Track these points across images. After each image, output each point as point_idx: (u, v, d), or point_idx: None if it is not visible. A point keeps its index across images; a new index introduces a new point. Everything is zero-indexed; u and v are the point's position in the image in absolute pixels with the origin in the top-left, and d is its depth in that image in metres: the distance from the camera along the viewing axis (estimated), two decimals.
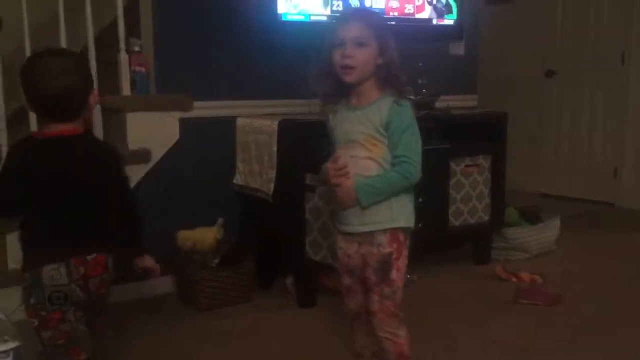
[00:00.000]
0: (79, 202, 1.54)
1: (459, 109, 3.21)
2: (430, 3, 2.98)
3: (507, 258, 3.12)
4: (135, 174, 2.61)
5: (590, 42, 4.44)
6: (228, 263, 2.54)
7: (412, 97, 1.71)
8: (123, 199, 1.67)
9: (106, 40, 2.74)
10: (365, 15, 1.77)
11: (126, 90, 2.63)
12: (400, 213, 1.61)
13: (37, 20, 2.53)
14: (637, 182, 4.27)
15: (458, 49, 3.43)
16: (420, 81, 2.88)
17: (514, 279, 2.81)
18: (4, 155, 2.00)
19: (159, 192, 2.67)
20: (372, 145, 1.58)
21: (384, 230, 1.60)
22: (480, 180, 2.94)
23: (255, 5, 2.68)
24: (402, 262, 1.63)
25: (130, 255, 1.69)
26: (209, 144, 2.77)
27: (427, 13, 2.99)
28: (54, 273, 1.50)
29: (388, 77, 1.59)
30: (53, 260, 1.50)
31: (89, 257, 1.54)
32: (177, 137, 2.72)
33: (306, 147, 2.49)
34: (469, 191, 2.91)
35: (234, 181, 2.78)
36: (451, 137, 2.86)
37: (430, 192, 2.53)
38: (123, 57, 2.61)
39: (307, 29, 2.67)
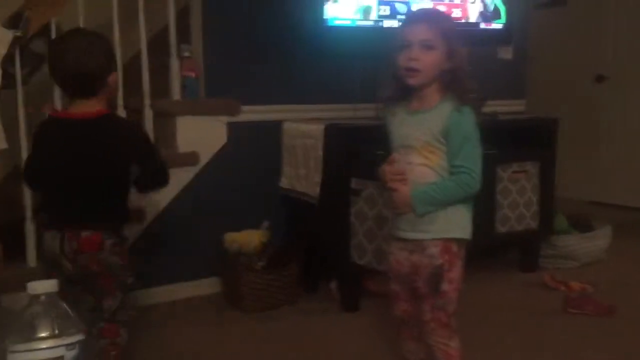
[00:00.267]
0: (82, 180, 1.63)
1: (506, 114, 3.16)
2: (479, 10, 2.94)
3: (556, 266, 3.05)
4: (183, 176, 2.68)
5: None
6: (273, 266, 2.57)
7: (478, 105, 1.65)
8: (146, 171, 1.73)
9: (158, 45, 2.81)
10: (435, 17, 1.66)
11: (176, 94, 2.69)
12: (456, 223, 1.57)
13: (92, 25, 2.62)
14: None
15: (506, 53, 3.38)
16: None
17: (562, 288, 2.74)
18: None
19: (207, 195, 2.72)
20: (429, 153, 1.54)
21: (436, 240, 1.55)
22: (528, 186, 2.89)
23: (303, 11, 2.71)
24: (455, 274, 1.57)
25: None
26: (255, 147, 2.81)
27: (474, 18, 2.96)
28: (50, 240, 1.63)
29: (452, 83, 1.54)
30: (51, 228, 1.63)
31: (83, 234, 1.60)
32: (224, 140, 2.77)
33: (352, 152, 2.50)
34: (516, 197, 2.86)
35: (280, 184, 2.80)
36: (498, 143, 2.82)
37: (476, 198, 2.50)
38: (174, 62, 2.68)
39: (354, 34, 2.68)
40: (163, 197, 2.64)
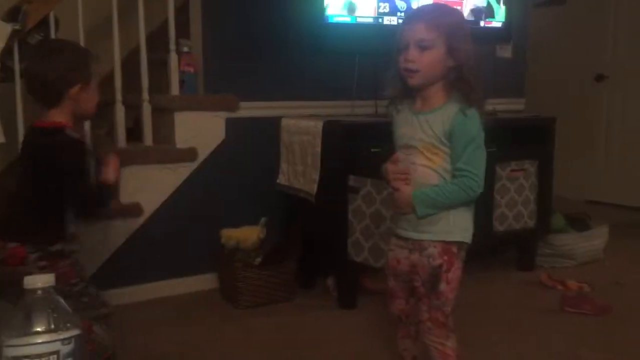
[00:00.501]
0: (16, 191, 1.70)
1: (505, 112, 3.16)
2: (470, 7, 2.92)
3: (553, 265, 3.05)
4: (181, 172, 2.68)
5: None
6: (270, 262, 2.57)
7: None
8: (68, 194, 1.69)
9: (157, 41, 2.80)
10: (432, 14, 1.58)
11: (175, 90, 2.69)
12: (457, 226, 1.55)
13: (91, 21, 2.61)
14: None
15: (505, 51, 3.38)
16: None
17: (559, 287, 2.75)
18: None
19: (204, 191, 2.72)
20: (432, 154, 1.52)
21: (436, 242, 1.55)
22: (526, 185, 2.89)
23: (302, 7, 2.70)
24: (453, 275, 1.56)
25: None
26: (254, 144, 2.80)
27: (465, 15, 2.94)
28: None
29: (457, 82, 1.50)
30: None
31: (10, 245, 1.62)
32: (222, 136, 2.77)
33: (350, 149, 2.50)
34: (514, 196, 2.86)
35: (278, 181, 2.80)
36: (497, 141, 2.81)
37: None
38: (173, 57, 2.67)
39: (353, 31, 2.68)
40: (161, 193, 2.64)
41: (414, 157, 1.54)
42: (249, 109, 2.80)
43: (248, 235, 2.60)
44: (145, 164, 2.60)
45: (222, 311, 2.54)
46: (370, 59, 2.63)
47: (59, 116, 1.65)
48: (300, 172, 2.66)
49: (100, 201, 1.76)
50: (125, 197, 2.53)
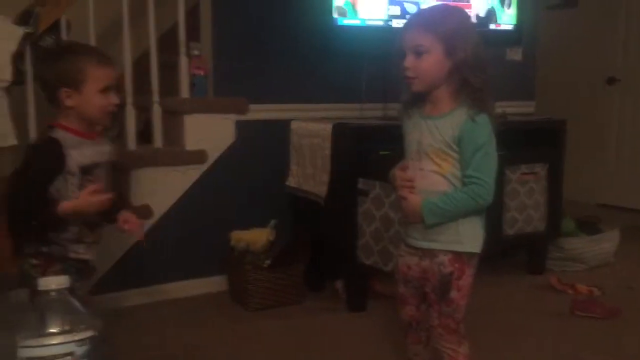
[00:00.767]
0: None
1: (515, 115, 3.15)
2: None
3: (563, 269, 3.04)
4: (191, 174, 2.69)
5: None
6: (280, 264, 2.57)
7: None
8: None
9: (167, 43, 2.81)
10: (425, 18, 1.57)
11: (185, 92, 2.70)
12: (466, 236, 1.52)
13: (102, 24, 2.63)
14: None
15: (515, 54, 3.37)
16: None
17: (569, 291, 2.73)
18: None
19: (214, 193, 2.73)
20: (441, 160, 1.49)
21: (446, 250, 1.53)
22: (537, 188, 2.88)
23: (311, 10, 2.70)
24: (465, 282, 1.54)
25: None
26: (263, 146, 2.81)
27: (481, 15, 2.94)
28: None
29: (463, 84, 1.47)
30: None
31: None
32: (232, 139, 2.78)
33: (359, 152, 2.50)
34: (524, 200, 2.85)
35: (287, 183, 2.80)
36: (507, 144, 2.80)
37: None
38: (183, 60, 2.68)
39: (362, 34, 2.68)
40: (170, 195, 2.65)
41: (423, 163, 1.52)
42: (259, 112, 2.80)
43: (258, 237, 2.60)
44: (155, 166, 2.61)
45: (231, 313, 2.54)
46: (380, 61, 2.63)
47: (63, 118, 1.64)
48: (309, 175, 2.66)
49: (34, 215, 1.59)
50: (135, 199, 2.54)
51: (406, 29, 1.54)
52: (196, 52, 2.74)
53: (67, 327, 0.80)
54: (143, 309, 2.50)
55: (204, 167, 2.72)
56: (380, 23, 2.70)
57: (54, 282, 0.82)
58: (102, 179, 1.68)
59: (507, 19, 3.00)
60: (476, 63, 1.47)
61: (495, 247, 2.88)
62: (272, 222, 2.64)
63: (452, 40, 1.46)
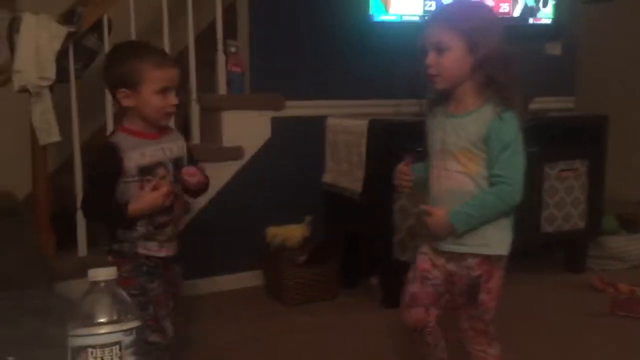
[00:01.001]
0: None
1: (555, 110, 3.09)
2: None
3: (604, 267, 2.98)
4: (227, 170, 2.72)
5: None
6: (315, 260, 2.58)
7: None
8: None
9: (205, 41, 2.85)
10: (446, 14, 1.54)
11: (222, 89, 2.73)
12: (494, 239, 1.49)
13: (142, 22, 2.68)
14: None
15: (554, 48, 3.31)
16: None
17: (611, 290, 2.67)
18: None
19: (250, 189, 2.76)
20: (467, 160, 1.45)
21: (475, 254, 1.49)
22: (576, 185, 2.83)
23: (348, 7, 2.70)
24: (494, 284, 1.51)
25: None
26: (299, 142, 2.82)
27: (517, 11, 2.90)
28: None
29: (488, 81, 1.44)
30: None
31: None
32: (268, 135, 2.80)
33: (395, 148, 2.48)
34: (564, 196, 2.80)
35: (323, 179, 2.82)
36: (546, 141, 2.77)
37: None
38: (220, 57, 2.71)
39: (399, 30, 2.67)
40: (208, 191, 2.68)
41: (448, 163, 1.48)
42: (295, 108, 2.82)
43: (293, 233, 2.62)
44: None
45: (267, 308, 2.57)
46: (416, 57, 2.61)
47: (126, 119, 1.64)
48: (345, 171, 2.67)
49: (99, 216, 1.67)
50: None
51: (428, 25, 1.52)
52: (233, 50, 2.77)
53: (115, 317, 0.83)
54: (179, 303, 2.54)
55: (240, 163, 2.75)
56: (416, 19, 2.69)
57: (102, 273, 0.84)
58: (169, 176, 1.63)
59: (544, 14, 2.95)
60: (500, 59, 1.44)
61: (533, 244, 2.86)
62: (308, 218, 2.66)
63: (474, 36, 1.43)
